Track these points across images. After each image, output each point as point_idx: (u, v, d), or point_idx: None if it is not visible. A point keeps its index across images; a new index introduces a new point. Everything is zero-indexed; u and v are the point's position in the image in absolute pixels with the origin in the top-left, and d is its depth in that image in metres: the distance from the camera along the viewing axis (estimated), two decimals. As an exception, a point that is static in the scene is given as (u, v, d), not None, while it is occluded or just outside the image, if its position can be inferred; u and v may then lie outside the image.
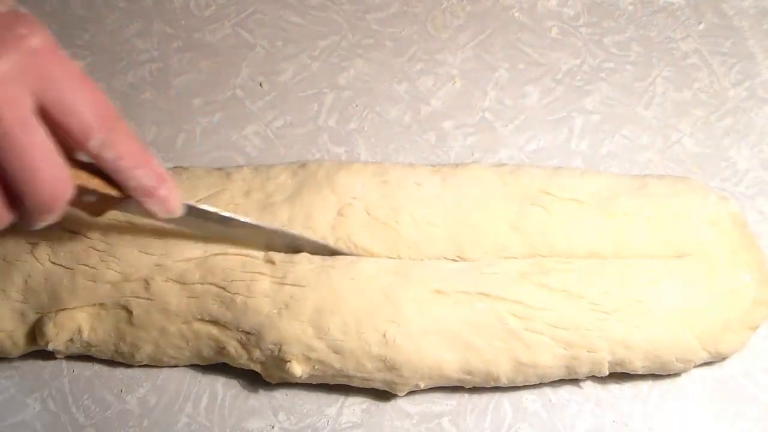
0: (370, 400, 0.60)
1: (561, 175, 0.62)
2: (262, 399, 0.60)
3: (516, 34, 0.75)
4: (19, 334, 0.58)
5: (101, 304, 0.57)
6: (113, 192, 0.50)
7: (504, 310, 0.56)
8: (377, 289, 0.56)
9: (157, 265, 0.57)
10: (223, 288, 0.56)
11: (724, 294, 0.58)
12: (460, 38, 0.75)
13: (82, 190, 0.49)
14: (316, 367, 0.56)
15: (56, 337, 0.57)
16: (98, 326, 0.58)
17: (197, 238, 0.57)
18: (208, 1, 0.76)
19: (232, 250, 0.57)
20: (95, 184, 0.49)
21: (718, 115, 0.72)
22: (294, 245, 0.58)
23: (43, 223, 0.46)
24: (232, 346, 0.57)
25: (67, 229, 0.58)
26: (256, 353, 0.57)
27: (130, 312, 0.57)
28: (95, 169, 0.49)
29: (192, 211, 0.53)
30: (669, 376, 0.61)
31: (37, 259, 0.57)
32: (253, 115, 0.71)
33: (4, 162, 0.43)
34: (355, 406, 0.60)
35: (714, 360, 0.60)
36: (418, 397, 0.60)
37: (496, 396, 0.60)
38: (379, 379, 0.57)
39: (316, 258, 0.57)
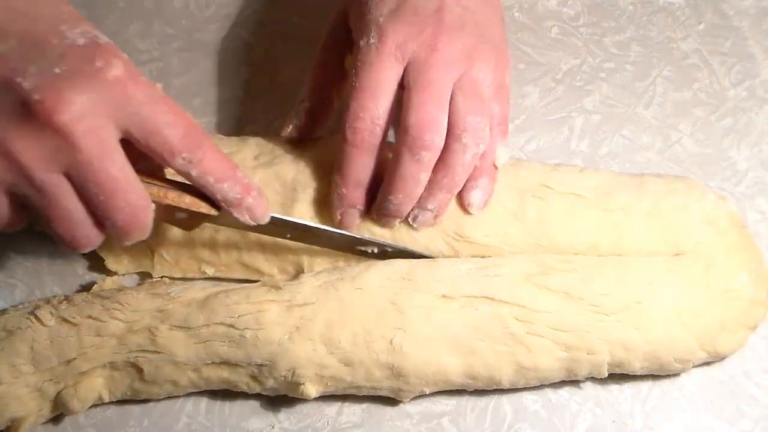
0: (370, 400, 0.60)
1: (560, 171, 0.62)
2: (262, 399, 0.59)
3: (516, 34, 0.75)
4: (46, 410, 0.57)
5: (112, 364, 0.56)
6: (203, 208, 0.52)
7: (506, 313, 0.56)
8: (384, 298, 0.56)
9: (159, 311, 0.56)
10: (231, 326, 0.55)
11: (722, 294, 0.58)
12: (460, 38, 0.75)
13: (173, 208, 0.51)
14: (328, 384, 0.57)
15: (81, 408, 0.56)
16: (114, 389, 0.57)
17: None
18: (208, 1, 0.76)
19: (234, 285, 0.57)
20: (185, 202, 0.52)
21: (718, 115, 0.72)
22: (379, 248, 0.59)
23: (129, 242, 0.50)
24: (244, 383, 0.57)
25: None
26: (269, 382, 0.57)
27: (140, 369, 0.56)
28: (186, 186, 0.51)
29: (277, 221, 0.55)
30: (668, 376, 0.61)
31: (39, 320, 0.55)
32: (253, 115, 0.71)
33: (87, 189, 0.46)
34: (355, 406, 0.60)
35: (713, 360, 0.60)
36: (418, 397, 0.60)
37: (496, 396, 0.60)
38: (386, 387, 0.57)
39: (322, 274, 0.57)
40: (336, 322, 0.55)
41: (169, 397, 0.59)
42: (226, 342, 0.56)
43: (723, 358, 0.60)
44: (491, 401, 0.60)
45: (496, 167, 0.59)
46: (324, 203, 0.60)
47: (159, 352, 0.56)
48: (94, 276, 0.64)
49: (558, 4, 0.77)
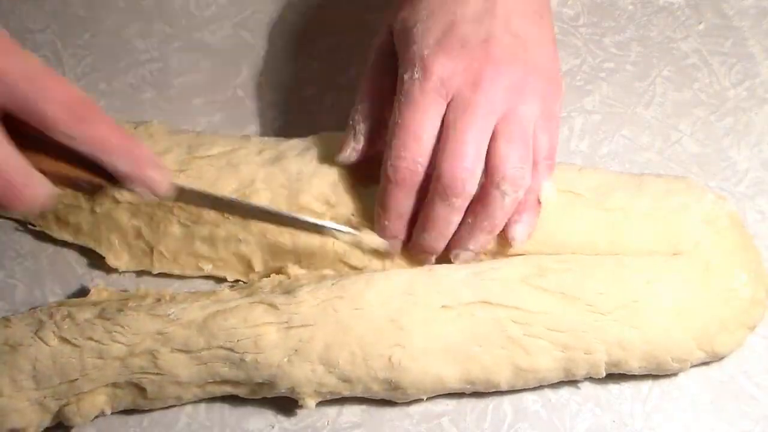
0: (370, 400, 0.60)
1: (559, 169, 0.62)
2: (262, 399, 0.59)
3: (516, 34, 0.75)
4: (46, 422, 0.57)
5: (115, 384, 0.56)
6: (97, 180, 0.51)
7: (504, 316, 0.56)
8: (384, 316, 0.56)
9: (159, 334, 0.55)
10: (230, 349, 0.55)
11: (721, 294, 0.58)
12: (460, 38, 0.75)
13: (71, 178, 0.50)
14: (327, 397, 0.57)
15: (83, 422, 0.57)
16: (117, 405, 0.57)
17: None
18: (208, 1, 0.76)
19: (232, 303, 0.56)
20: (79, 173, 0.50)
21: (718, 115, 0.72)
22: (289, 223, 0.59)
23: (15, 213, 0.49)
24: (245, 394, 0.58)
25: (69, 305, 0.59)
26: (270, 395, 0.58)
27: (143, 389, 0.56)
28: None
29: (184, 192, 0.54)
30: (668, 376, 0.61)
31: (42, 340, 0.55)
32: (253, 115, 0.71)
33: None
34: (355, 407, 0.60)
35: (711, 360, 0.60)
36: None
37: (496, 396, 0.60)
38: (383, 396, 0.58)
39: (321, 291, 0.56)
40: (335, 344, 0.55)
41: (169, 397, 0.59)
42: (227, 364, 0.56)
43: (721, 358, 0.60)
44: (491, 401, 0.60)
45: (539, 203, 0.58)
46: (332, 192, 0.60)
47: (161, 374, 0.56)
48: (94, 274, 0.64)
49: (558, 4, 0.77)
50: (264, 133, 0.70)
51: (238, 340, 0.55)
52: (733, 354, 0.61)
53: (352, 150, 0.59)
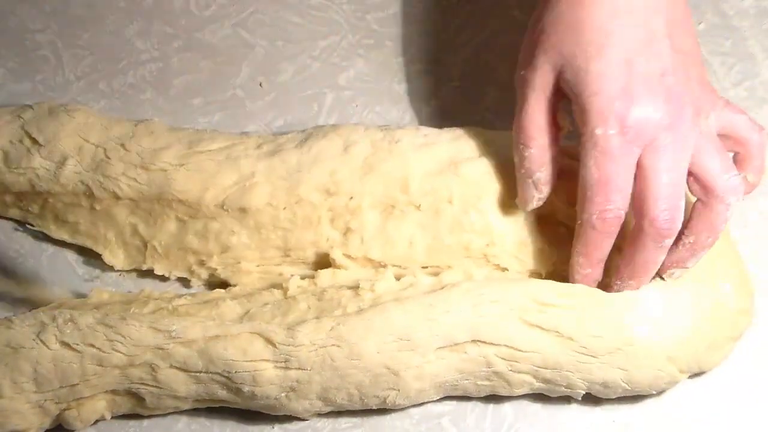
0: (370, 400, 0.60)
1: None
2: (262, 399, 0.60)
3: (516, 34, 0.75)
4: (47, 424, 0.57)
5: (114, 391, 0.57)
6: None
7: (493, 353, 0.56)
8: (380, 363, 0.56)
9: (159, 348, 0.55)
10: (228, 378, 0.56)
11: (708, 312, 0.58)
12: (460, 38, 0.75)
13: None
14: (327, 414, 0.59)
15: (83, 427, 0.58)
16: (117, 411, 0.58)
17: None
18: (208, 1, 0.76)
19: (233, 329, 0.56)
20: None
21: (718, 115, 0.72)
22: None
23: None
24: (244, 407, 0.59)
25: (71, 307, 0.59)
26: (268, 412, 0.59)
27: (142, 398, 0.57)
28: None
29: None
30: (669, 376, 0.60)
31: (44, 343, 0.55)
32: (253, 115, 0.71)
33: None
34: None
35: (697, 375, 0.60)
36: (418, 397, 0.60)
37: (496, 396, 0.60)
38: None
39: (319, 336, 0.55)
40: (332, 388, 0.56)
41: (169, 397, 0.59)
42: (225, 389, 0.56)
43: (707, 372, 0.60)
44: (491, 401, 0.60)
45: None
46: (331, 181, 0.61)
47: (160, 387, 0.56)
48: (94, 274, 0.65)
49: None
50: (264, 133, 0.70)
51: (236, 372, 0.55)
52: (732, 356, 0.61)
53: (538, 200, 0.59)
